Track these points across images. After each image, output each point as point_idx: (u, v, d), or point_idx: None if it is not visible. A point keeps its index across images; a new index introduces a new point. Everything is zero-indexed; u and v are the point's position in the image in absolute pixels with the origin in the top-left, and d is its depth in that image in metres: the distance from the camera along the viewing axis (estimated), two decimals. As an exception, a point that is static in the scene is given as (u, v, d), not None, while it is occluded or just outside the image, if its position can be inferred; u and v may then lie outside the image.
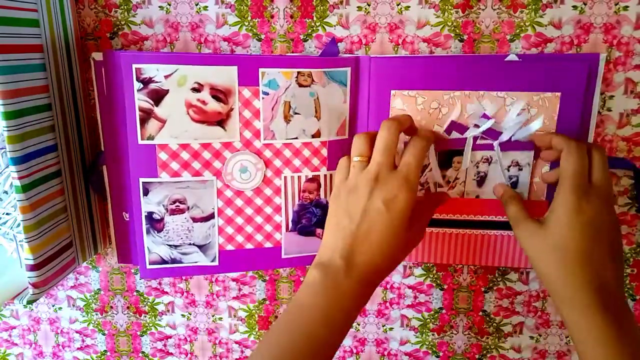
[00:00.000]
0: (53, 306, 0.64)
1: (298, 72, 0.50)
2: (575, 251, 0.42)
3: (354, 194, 0.44)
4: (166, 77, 0.48)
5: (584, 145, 0.45)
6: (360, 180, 0.44)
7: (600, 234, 0.43)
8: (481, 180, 0.52)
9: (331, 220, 0.46)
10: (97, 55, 0.51)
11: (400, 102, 0.51)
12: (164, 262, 0.53)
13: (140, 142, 0.50)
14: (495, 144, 0.51)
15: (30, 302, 0.50)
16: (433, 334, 0.61)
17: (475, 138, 0.51)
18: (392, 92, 0.51)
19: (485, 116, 0.50)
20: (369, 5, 0.51)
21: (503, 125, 0.50)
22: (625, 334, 0.40)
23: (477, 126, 0.51)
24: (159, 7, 0.53)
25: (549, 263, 0.43)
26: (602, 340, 0.40)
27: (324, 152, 0.53)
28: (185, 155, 0.51)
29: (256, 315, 0.62)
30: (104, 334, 0.65)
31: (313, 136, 0.52)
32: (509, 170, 0.51)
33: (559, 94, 0.49)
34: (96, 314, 0.64)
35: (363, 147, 0.45)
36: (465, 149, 0.51)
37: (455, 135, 0.51)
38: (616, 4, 0.49)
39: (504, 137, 0.50)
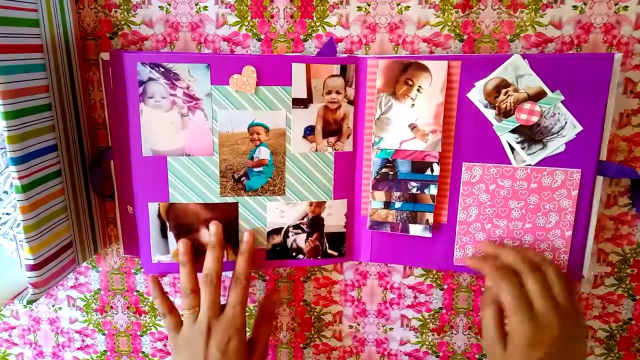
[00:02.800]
0: (53, 306, 0.64)
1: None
2: None
3: (192, 347, 0.49)
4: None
5: (507, 269, 0.47)
6: (194, 332, 0.50)
7: None
8: None
9: None
10: (105, 55, 0.52)
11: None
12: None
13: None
14: None
15: (30, 302, 0.50)
16: (433, 334, 0.61)
17: None
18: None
19: None
20: (369, 5, 0.51)
21: None
22: None
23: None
24: (159, 7, 0.53)
25: None
26: None
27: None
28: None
29: (256, 315, 0.62)
30: (104, 334, 0.65)
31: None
32: None
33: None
34: (96, 314, 0.64)
35: (192, 301, 0.50)
36: None
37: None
38: (616, 4, 0.49)
39: None
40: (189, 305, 0.50)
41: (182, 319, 0.52)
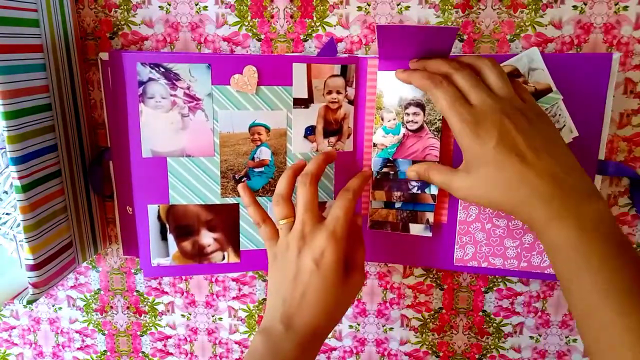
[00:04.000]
0: (53, 306, 0.64)
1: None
2: (510, 177, 0.38)
3: (285, 255, 0.45)
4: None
5: (436, 75, 0.43)
6: (290, 240, 0.45)
7: (517, 143, 0.39)
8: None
9: (271, 284, 0.46)
10: (104, 55, 0.52)
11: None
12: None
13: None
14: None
15: (30, 302, 0.50)
16: (433, 334, 0.61)
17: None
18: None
19: None
20: (369, 5, 0.51)
21: None
22: (597, 220, 0.37)
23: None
24: (159, 7, 0.53)
25: (499, 202, 0.40)
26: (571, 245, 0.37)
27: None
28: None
29: (256, 315, 0.62)
30: (104, 334, 0.65)
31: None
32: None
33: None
34: (96, 314, 0.64)
35: (285, 210, 0.46)
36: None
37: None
38: (616, 4, 0.49)
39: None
40: (282, 214, 0.46)
41: (278, 230, 0.47)
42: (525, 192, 0.38)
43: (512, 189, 0.39)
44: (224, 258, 0.54)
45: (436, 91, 0.42)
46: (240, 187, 0.50)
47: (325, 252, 0.43)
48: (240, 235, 0.54)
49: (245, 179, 0.52)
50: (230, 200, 0.52)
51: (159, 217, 0.52)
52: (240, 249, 0.54)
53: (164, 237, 0.53)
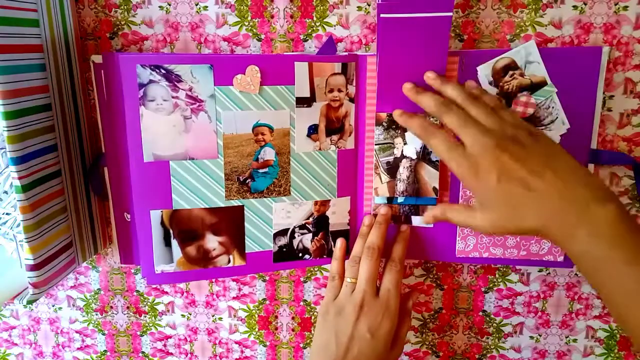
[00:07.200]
0: (53, 306, 0.64)
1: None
2: (521, 206, 0.39)
3: (342, 317, 0.49)
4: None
5: (429, 126, 0.44)
6: (349, 304, 0.49)
7: (517, 172, 0.39)
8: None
9: (319, 339, 0.50)
10: (97, 58, 0.51)
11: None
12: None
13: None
14: None
15: (30, 302, 0.49)
16: (433, 334, 0.61)
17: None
18: None
19: None
20: (368, 5, 0.51)
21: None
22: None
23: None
24: (159, 7, 0.53)
25: (524, 228, 0.40)
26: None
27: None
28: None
29: (256, 315, 0.62)
30: (104, 334, 0.65)
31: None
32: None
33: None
34: (96, 314, 0.64)
35: (356, 272, 0.51)
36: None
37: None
38: (616, 4, 0.49)
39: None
40: (353, 275, 0.51)
41: (342, 286, 0.51)
42: (540, 215, 0.39)
43: (527, 217, 0.39)
44: (229, 261, 0.53)
45: (432, 141, 0.43)
46: (339, 241, 0.54)
47: (381, 325, 0.48)
48: (246, 237, 0.53)
49: (249, 180, 0.52)
50: (234, 202, 0.52)
51: (162, 223, 0.51)
52: (246, 252, 0.54)
53: (167, 243, 0.52)
